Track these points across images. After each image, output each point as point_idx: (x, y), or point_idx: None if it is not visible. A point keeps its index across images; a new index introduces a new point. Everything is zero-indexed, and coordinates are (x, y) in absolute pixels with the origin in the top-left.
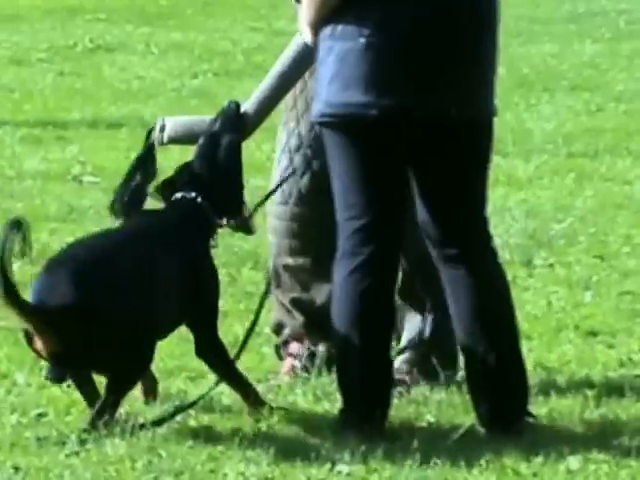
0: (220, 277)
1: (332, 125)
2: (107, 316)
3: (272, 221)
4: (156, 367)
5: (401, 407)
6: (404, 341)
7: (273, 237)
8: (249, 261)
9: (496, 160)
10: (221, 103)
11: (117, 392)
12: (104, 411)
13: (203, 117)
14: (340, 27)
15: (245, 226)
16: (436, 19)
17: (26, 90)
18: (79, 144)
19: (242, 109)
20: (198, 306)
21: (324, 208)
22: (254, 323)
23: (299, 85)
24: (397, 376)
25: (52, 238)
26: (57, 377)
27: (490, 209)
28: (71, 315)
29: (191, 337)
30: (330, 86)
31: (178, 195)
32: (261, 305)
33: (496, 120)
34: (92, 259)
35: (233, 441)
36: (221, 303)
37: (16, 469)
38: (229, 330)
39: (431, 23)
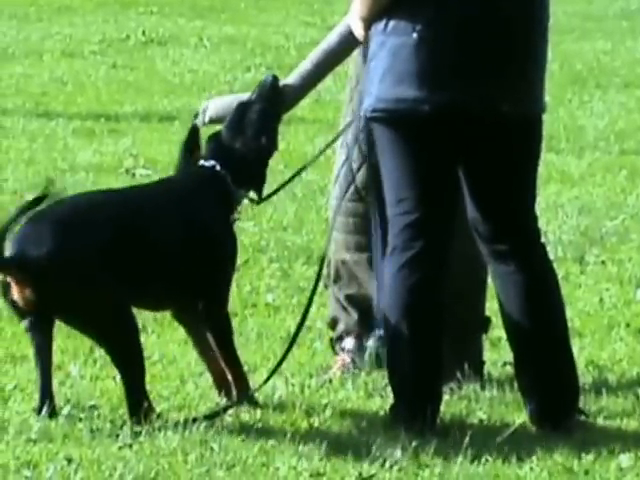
0: (272, 272)
1: (383, 120)
2: (80, 272)
3: (331, 216)
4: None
5: (452, 403)
6: None
7: (334, 232)
8: (302, 256)
9: (549, 157)
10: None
11: (121, 367)
12: (132, 396)
13: (244, 94)
14: (393, 22)
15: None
16: (488, 15)
17: (79, 83)
18: (131, 137)
19: (284, 82)
20: (210, 275)
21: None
22: (304, 318)
23: (354, 80)
24: None
25: None
26: (32, 327)
27: (543, 206)
28: (47, 267)
29: (242, 331)
30: (382, 81)
31: (199, 163)
32: (310, 300)
33: (549, 116)
34: (79, 214)
35: (285, 435)
36: (273, 298)
37: (69, 460)
38: (281, 325)
39: (483, 19)
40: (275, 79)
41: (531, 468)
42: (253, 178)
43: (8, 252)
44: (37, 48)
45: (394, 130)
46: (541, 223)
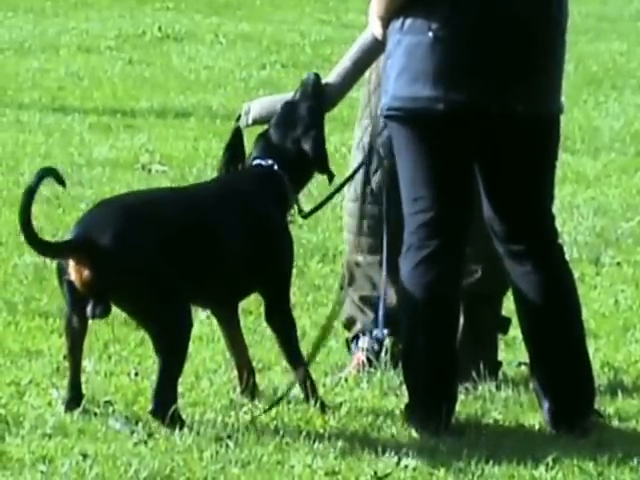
0: None
1: (399, 119)
2: (141, 258)
3: (345, 218)
4: (223, 358)
5: (467, 403)
6: None
7: (346, 234)
8: (317, 254)
9: (564, 157)
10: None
11: (164, 357)
12: (162, 389)
13: (286, 94)
14: (409, 21)
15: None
16: (503, 15)
17: (95, 78)
18: (147, 133)
19: (324, 81)
20: (270, 272)
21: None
22: (330, 322)
23: (374, 82)
24: None
25: None
26: (98, 314)
27: (558, 206)
28: (109, 250)
29: (256, 328)
30: (398, 80)
31: (254, 162)
32: (337, 304)
33: (564, 117)
34: (145, 205)
35: (300, 433)
36: None
37: (84, 456)
38: (296, 323)
39: (498, 19)
40: (317, 77)
41: (546, 469)
42: (321, 166)
43: (72, 233)
44: (53, 43)
45: (410, 129)
46: (557, 224)
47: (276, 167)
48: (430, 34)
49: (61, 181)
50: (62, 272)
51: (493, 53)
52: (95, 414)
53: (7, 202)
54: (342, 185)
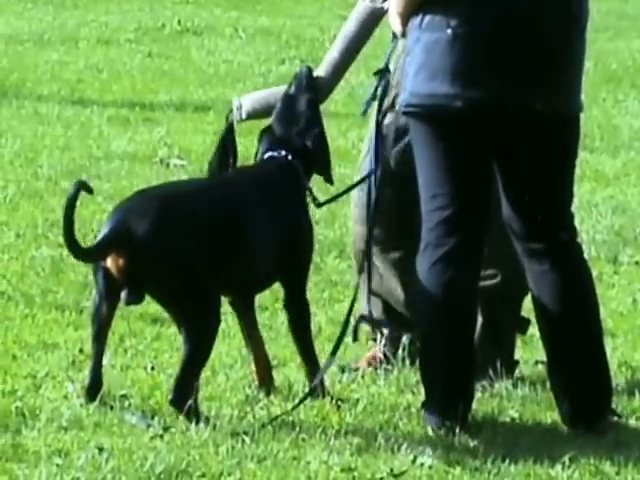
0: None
1: (417, 115)
2: (178, 248)
3: (352, 208)
4: (239, 353)
5: (484, 401)
6: None
7: (353, 224)
8: (334, 250)
9: (583, 155)
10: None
11: (191, 349)
12: (184, 380)
13: (277, 88)
14: (428, 18)
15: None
16: (524, 12)
17: (114, 70)
18: (166, 126)
19: (315, 74)
20: (292, 262)
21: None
22: (347, 319)
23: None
24: None
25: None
26: (132, 301)
27: (577, 205)
28: (147, 239)
29: (272, 324)
30: (416, 76)
31: (268, 154)
32: (353, 302)
33: (583, 115)
34: (182, 197)
35: (316, 430)
36: None
37: (100, 449)
38: (312, 318)
39: (519, 16)
40: (310, 70)
41: (563, 468)
42: (321, 165)
43: (109, 224)
44: (73, 35)
45: (428, 125)
46: (575, 222)
47: (290, 157)
48: (449, 31)
49: (90, 190)
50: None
51: (512, 51)
52: (111, 408)
53: (25, 194)
54: (359, 181)
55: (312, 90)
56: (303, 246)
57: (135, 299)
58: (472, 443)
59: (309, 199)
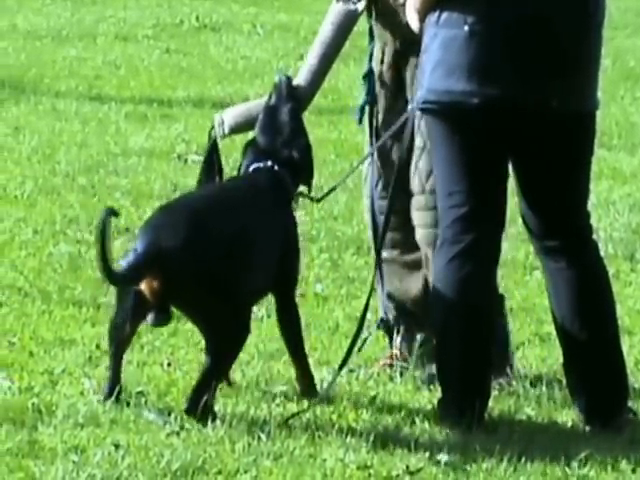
0: (322, 262)
1: (434, 112)
2: (213, 267)
3: (365, 215)
4: (256, 350)
5: (500, 399)
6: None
7: (370, 231)
8: (352, 246)
9: (601, 153)
10: (326, 86)
11: (217, 360)
12: (204, 389)
13: (258, 101)
14: (445, 14)
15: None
16: (540, 9)
17: (132, 67)
18: (184, 122)
19: (294, 82)
20: (283, 271)
21: (403, 202)
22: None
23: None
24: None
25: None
26: (161, 322)
27: (594, 202)
28: (180, 259)
29: None
30: (433, 73)
31: (254, 166)
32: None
33: (600, 113)
34: (205, 211)
35: (332, 427)
36: (322, 288)
37: (116, 446)
38: (329, 315)
39: (535, 13)
40: (289, 79)
41: (579, 466)
42: (305, 175)
43: (140, 247)
44: (91, 31)
45: (444, 122)
46: (592, 220)
47: (276, 167)
48: (466, 28)
49: (116, 214)
50: (126, 279)
51: (528, 48)
52: (127, 404)
53: (43, 191)
54: (353, 169)
55: (293, 99)
56: (293, 254)
57: (164, 320)
58: (488, 441)
59: (305, 200)
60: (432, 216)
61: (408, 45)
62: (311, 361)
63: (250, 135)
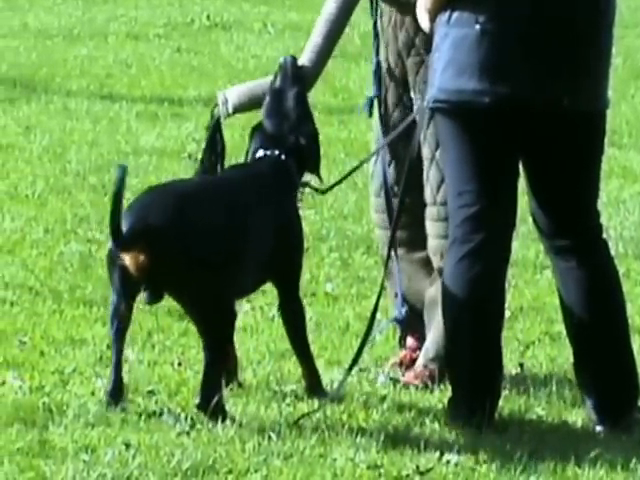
0: (332, 261)
1: (444, 111)
2: (200, 247)
3: (373, 214)
4: (267, 349)
5: (511, 399)
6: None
7: (376, 229)
8: (362, 245)
9: (611, 152)
10: (337, 85)
11: (210, 347)
12: (210, 383)
13: (262, 80)
14: (456, 14)
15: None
16: (551, 8)
17: (143, 66)
18: (195, 122)
19: (300, 62)
20: (284, 263)
21: (413, 200)
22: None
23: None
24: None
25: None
26: (153, 300)
27: (604, 201)
28: (166, 235)
29: None
30: (444, 72)
31: (260, 153)
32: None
33: (611, 111)
34: (193, 193)
35: (343, 426)
36: (332, 287)
37: (127, 445)
38: (340, 314)
39: (546, 12)
40: (294, 60)
41: (589, 465)
42: (313, 163)
43: (127, 222)
44: (102, 30)
45: (455, 122)
46: (602, 219)
47: (283, 156)
48: (477, 27)
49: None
50: (114, 257)
51: (539, 47)
52: (138, 404)
53: (54, 190)
54: (362, 162)
55: (299, 81)
56: (295, 246)
57: (155, 298)
58: (498, 441)
59: (310, 191)
60: (444, 227)
61: (409, 46)
62: (321, 361)
63: (253, 115)
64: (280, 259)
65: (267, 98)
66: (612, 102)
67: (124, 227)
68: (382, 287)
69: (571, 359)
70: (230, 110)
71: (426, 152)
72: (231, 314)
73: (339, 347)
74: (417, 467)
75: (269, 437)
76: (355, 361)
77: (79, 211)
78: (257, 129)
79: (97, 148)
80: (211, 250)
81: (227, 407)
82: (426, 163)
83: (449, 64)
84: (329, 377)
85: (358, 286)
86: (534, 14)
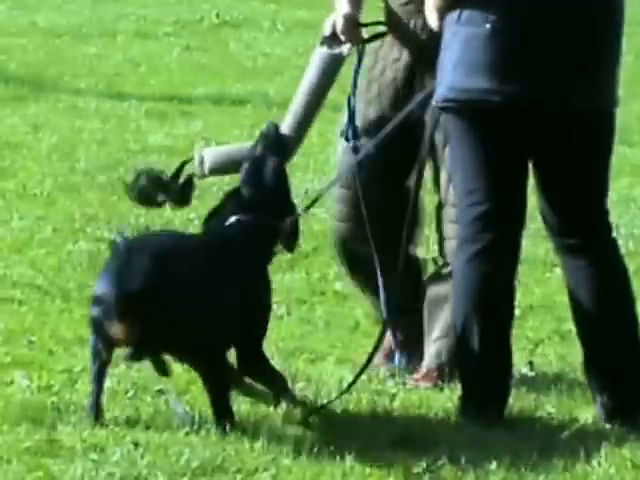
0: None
1: (454, 110)
2: (184, 302)
3: (336, 206)
4: (276, 348)
5: (521, 396)
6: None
7: (337, 222)
8: None
9: (621, 150)
10: (347, 84)
11: (213, 391)
12: (221, 415)
13: (241, 145)
14: (466, 12)
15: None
16: (561, 8)
17: (152, 64)
18: (203, 120)
19: (281, 131)
20: (252, 326)
21: (376, 194)
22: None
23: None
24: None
25: (176, 214)
26: (136, 359)
27: (615, 199)
28: (153, 299)
29: (310, 318)
30: (454, 71)
31: (233, 218)
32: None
33: (621, 109)
34: (168, 251)
35: (352, 424)
36: (342, 286)
37: (135, 444)
38: (350, 313)
39: (556, 12)
40: (276, 127)
41: (599, 463)
42: (289, 239)
43: (115, 284)
44: (111, 28)
45: (465, 120)
46: (613, 217)
47: (258, 221)
48: (487, 26)
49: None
50: (100, 324)
51: (549, 47)
52: (148, 403)
53: (62, 189)
54: (335, 180)
55: (280, 150)
56: (267, 307)
57: (137, 359)
58: (508, 438)
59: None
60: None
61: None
62: (331, 359)
63: (227, 179)
64: (248, 322)
65: (246, 164)
66: (622, 100)
67: (107, 293)
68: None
69: (581, 357)
70: (206, 172)
71: (441, 153)
72: (223, 364)
73: (349, 345)
74: (427, 465)
75: (278, 436)
76: (367, 364)
77: (88, 210)
78: (233, 194)
79: (106, 147)
80: (198, 311)
81: (235, 406)
82: (442, 165)
83: (459, 63)
84: (339, 376)
85: None
86: (544, 13)
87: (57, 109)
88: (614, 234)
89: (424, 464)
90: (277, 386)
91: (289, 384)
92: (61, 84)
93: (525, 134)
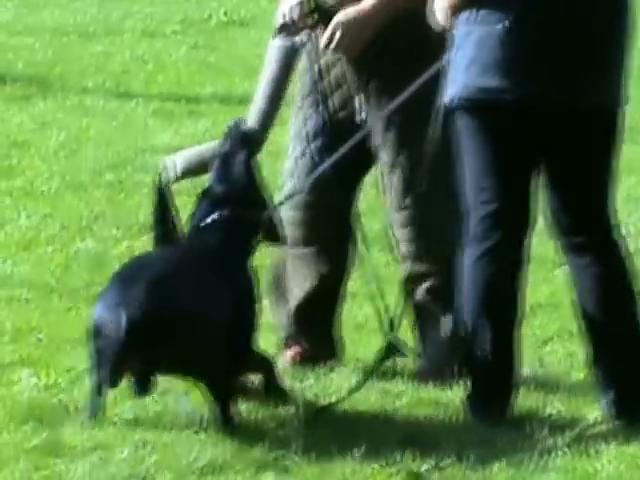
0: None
1: (467, 109)
2: (189, 320)
3: (289, 212)
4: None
5: (528, 395)
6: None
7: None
8: (378, 243)
9: (630, 148)
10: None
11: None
12: (227, 412)
13: (209, 144)
14: (480, 12)
15: (274, 234)
16: (574, 8)
17: (159, 62)
18: (211, 119)
19: (247, 126)
20: (242, 321)
21: (332, 199)
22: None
23: (299, 99)
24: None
25: (182, 214)
26: (146, 390)
27: (624, 197)
28: (164, 324)
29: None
30: (468, 70)
31: (214, 216)
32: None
33: (630, 108)
34: (166, 273)
35: (360, 422)
36: (350, 283)
37: (143, 443)
38: (358, 311)
39: (570, 12)
40: (241, 124)
41: (606, 461)
42: (272, 232)
43: (117, 318)
44: (118, 27)
45: (477, 119)
46: (621, 215)
47: (236, 218)
48: (501, 25)
49: None
50: (102, 351)
51: (563, 47)
52: (155, 401)
53: (69, 187)
54: (289, 196)
55: (247, 145)
56: (248, 315)
57: (149, 390)
58: (516, 436)
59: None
60: (414, 230)
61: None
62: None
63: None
64: (235, 318)
65: (215, 163)
66: (631, 99)
67: (114, 324)
68: (403, 287)
69: (588, 355)
70: (179, 174)
71: (385, 158)
72: (229, 372)
73: (357, 343)
74: (435, 463)
75: (284, 434)
76: (376, 366)
77: (95, 208)
78: (206, 194)
79: (113, 145)
80: (202, 325)
81: (242, 405)
82: (386, 169)
83: (473, 62)
84: (346, 373)
85: (375, 283)
86: (559, 14)
87: (64, 108)
88: (621, 233)
89: (431, 463)
90: (263, 369)
91: (276, 368)
92: (68, 83)
93: (535, 133)
